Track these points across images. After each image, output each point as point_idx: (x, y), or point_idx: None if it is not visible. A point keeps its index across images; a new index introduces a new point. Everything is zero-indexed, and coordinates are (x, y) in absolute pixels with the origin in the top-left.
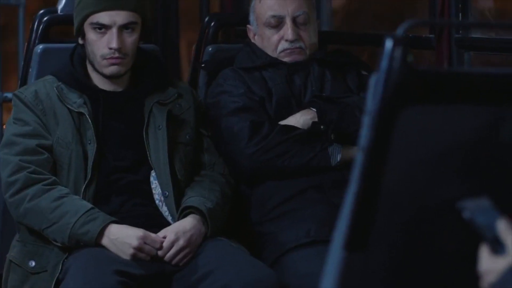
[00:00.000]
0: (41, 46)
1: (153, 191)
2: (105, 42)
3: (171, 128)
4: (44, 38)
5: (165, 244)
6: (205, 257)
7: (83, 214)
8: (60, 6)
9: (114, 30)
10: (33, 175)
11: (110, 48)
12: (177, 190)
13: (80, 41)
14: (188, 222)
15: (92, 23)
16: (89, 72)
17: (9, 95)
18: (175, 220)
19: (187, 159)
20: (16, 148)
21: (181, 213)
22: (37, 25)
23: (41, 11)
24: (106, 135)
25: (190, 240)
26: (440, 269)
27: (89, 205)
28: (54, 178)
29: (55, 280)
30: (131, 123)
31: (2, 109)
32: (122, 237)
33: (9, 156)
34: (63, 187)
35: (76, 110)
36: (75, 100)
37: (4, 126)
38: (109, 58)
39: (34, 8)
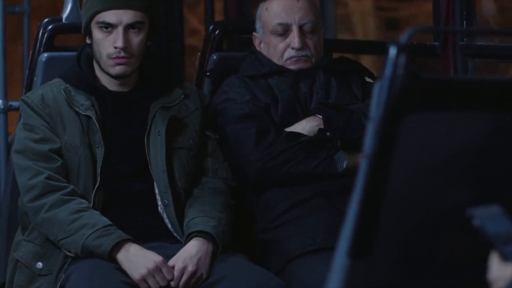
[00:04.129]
0: (45, 55)
1: (157, 198)
2: (111, 41)
3: (173, 133)
4: (49, 46)
5: (175, 274)
6: (211, 268)
7: (100, 228)
8: (64, 15)
9: (120, 29)
10: (51, 182)
11: (116, 47)
12: (177, 199)
13: (88, 41)
14: (193, 246)
15: (98, 22)
16: (96, 73)
17: (14, 103)
18: (176, 229)
19: (190, 165)
20: (29, 153)
21: (187, 238)
22: (41, 34)
23: (46, 20)
24: (114, 138)
25: (198, 264)
26: (445, 276)
27: (108, 222)
28: (72, 187)
29: (59, 285)
30: (136, 126)
31: (7, 118)
32: (140, 257)
33: (23, 161)
34: (82, 200)
35: (83, 113)
36: (83, 102)
37: (9, 134)
38: (115, 58)
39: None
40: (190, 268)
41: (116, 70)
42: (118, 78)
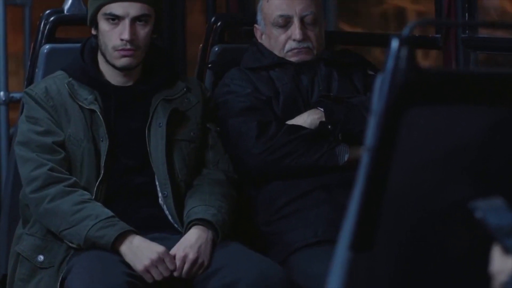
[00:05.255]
0: (47, 46)
1: (158, 190)
2: (117, 33)
3: (174, 126)
4: (51, 38)
5: (177, 263)
6: (212, 256)
7: (103, 219)
8: (66, 6)
9: (126, 22)
10: (54, 174)
11: (122, 40)
12: (177, 191)
13: (93, 32)
14: (193, 234)
15: (105, 14)
16: (100, 66)
17: (16, 95)
18: (176, 220)
19: (190, 157)
20: (32, 145)
21: (187, 227)
22: (43, 25)
23: (48, 11)
24: (117, 132)
25: (199, 252)
26: (447, 269)
27: (111, 213)
28: (74, 179)
29: (61, 277)
30: (139, 119)
31: (8, 109)
32: (143, 248)
33: (26, 152)
34: (85, 192)
35: (87, 107)
36: (86, 96)
37: (11, 126)
38: (121, 50)
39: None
40: (191, 256)
41: (122, 62)
42: (123, 70)
